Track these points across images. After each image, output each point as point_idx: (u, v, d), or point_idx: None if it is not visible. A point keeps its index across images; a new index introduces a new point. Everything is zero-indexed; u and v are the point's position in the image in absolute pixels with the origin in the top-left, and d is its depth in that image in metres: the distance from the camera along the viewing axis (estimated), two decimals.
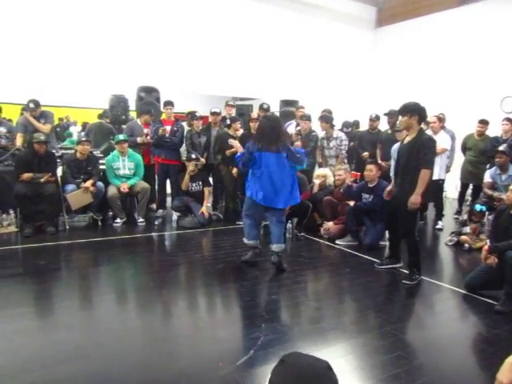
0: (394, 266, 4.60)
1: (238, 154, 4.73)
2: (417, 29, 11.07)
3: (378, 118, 7.23)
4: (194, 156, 6.38)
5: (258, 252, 4.72)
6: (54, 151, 6.19)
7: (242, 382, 2.46)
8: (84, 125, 11.55)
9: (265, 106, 7.24)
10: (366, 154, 6.95)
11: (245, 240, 4.67)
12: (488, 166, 6.73)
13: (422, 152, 4.01)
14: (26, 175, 5.55)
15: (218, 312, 3.72)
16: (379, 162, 6.30)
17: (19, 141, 6.26)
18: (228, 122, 6.82)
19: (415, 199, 4.02)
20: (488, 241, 4.03)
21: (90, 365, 2.61)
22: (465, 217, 5.90)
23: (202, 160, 6.65)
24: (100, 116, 9.15)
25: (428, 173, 4.02)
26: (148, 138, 6.72)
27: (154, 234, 6.03)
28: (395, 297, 4.12)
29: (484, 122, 7.10)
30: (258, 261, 4.68)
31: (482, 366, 2.87)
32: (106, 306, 3.62)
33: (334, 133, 6.76)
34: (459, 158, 7.43)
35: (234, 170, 6.39)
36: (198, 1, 9.35)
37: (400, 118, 4.27)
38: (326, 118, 6.79)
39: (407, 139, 4.22)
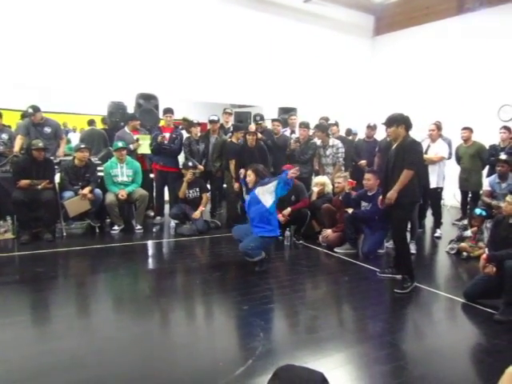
0: (395, 276, 4.55)
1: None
2: (414, 37, 11.13)
3: (376, 126, 7.26)
4: (190, 164, 6.37)
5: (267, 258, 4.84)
6: (52, 158, 6.19)
7: None
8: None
9: (257, 119, 7.28)
10: (363, 161, 6.96)
11: (257, 258, 4.68)
12: (486, 173, 6.77)
13: (406, 155, 4.17)
14: (24, 182, 5.53)
15: (215, 321, 3.69)
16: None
17: (18, 143, 6.27)
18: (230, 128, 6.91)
19: (391, 195, 4.19)
20: (486, 249, 4.02)
21: (87, 374, 2.58)
22: (465, 221, 5.89)
23: (200, 167, 6.66)
24: (90, 122, 9.12)
25: (409, 173, 4.13)
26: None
27: (151, 241, 6.00)
28: (394, 306, 4.09)
29: (467, 128, 7.21)
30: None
31: (482, 377, 2.85)
32: (103, 314, 3.60)
33: (330, 141, 6.76)
34: (457, 166, 7.47)
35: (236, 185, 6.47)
36: (197, 9, 9.38)
37: (387, 129, 4.43)
38: (322, 127, 6.82)
39: (395, 145, 4.39)
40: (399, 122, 4.26)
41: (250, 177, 4.82)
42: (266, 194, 4.65)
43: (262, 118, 7.33)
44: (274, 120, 7.44)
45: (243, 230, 4.95)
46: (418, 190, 4.37)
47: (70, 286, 4.33)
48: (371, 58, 12.32)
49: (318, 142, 6.86)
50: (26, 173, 5.59)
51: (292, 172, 4.71)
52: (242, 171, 6.23)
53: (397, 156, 4.26)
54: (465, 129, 7.21)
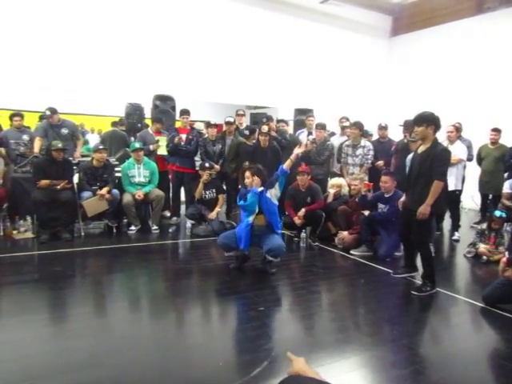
0: (410, 274, 4.52)
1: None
2: (433, 38, 11.01)
3: (387, 126, 7.17)
4: (207, 165, 6.40)
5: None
6: (70, 158, 6.29)
7: None
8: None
9: (264, 120, 7.27)
10: (380, 162, 6.88)
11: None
12: (506, 176, 6.65)
13: (435, 163, 3.97)
14: (44, 182, 5.63)
15: (231, 321, 3.70)
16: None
17: (37, 144, 6.40)
18: (247, 132, 6.90)
19: (424, 209, 4.01)
20: (506, 253, 3.95)
21: (104, 373, 2.61)
22: (484, 226, 5.78)
23: (217, 167, 6.68)
24: (114, 124, 9.25)
25: (440, 184, 3.98)
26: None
27: (167, 241, 6.04)
28: (411, 309, 4.05)
29: (497, 130, 7.10)
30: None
31: (501, 382, 2.79)
32: (120, 313, 3.63)
33: (361, 141, 6.68)
34: (477, 169, 7.36)
35: None
36: (213, 10, 9.44)
37: (415, 128, 4.15)
38: (359, 125, 6.63)
39: (421, 149, 4.17)
40: (430, 122, 4.02)
41: (250, 179, 4.54)
42: (273, 195, 4.58)
43: (269, 119, 7.30)
44: (279, 121, 7.44)
45: (232, 236, 4.67)
46: (443, 199, 4.25)
47: (88, 285, 4.38)
48: (388, 59, 12.22)
49: (348, 140, 6.74)
50: (46, 173, 5.68)
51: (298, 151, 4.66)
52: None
53: (423, 162, 4.06)
54: (495, 130, 7.11)
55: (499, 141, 7.15)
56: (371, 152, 6.61)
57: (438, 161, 3.98)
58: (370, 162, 6.61)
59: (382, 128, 7.13)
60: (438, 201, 4.03)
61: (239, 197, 4.71)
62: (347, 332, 3.38)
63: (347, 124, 7.34)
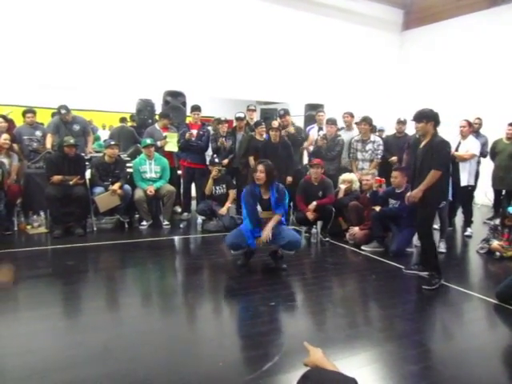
0: (421, 273, 4.49)
1: None
2: (445, 31, 10.87)
3: (406, 121, 7.09)
4: (217, 160, 6.41)
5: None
6: (82, 154, 6.35)
7: None
8: None
9: (281, 113, 7.21)
10: (394, 158, 6.81)
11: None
12: None
13: (434, 154, 4.12)
14: (56, 177, 5.69)
15: (242, 316, 3.71)
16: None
17: (49, 140, 6.47)
18: (253, 127, 6.89)
19: (415, 193, 4.19)
20: None
21: (117, 366, 2.64)
22: (497, 221, 5.72)
23: (225, 162, 6.66)
24: (122, 120, 9.31)
25: (437, 174, 4.09)
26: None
27: (178, 237, 6.07)
28: (422, 305, 4.02)
29: None
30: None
31: None
32: (132, 307, 3.66)
33: (371, 136, 6.64)
34: (490, 164, 7.26)
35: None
36: (223, 6, 9.42)
37: (416, 124, 4.29)
38: (369, 120, 6.58)
39: (423, 143, 4.32)
40: (429, 118, 4.18)
41: (263, 173, 4.44)
42: None
43: (286, 113, 7.23)
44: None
45: (239, 234, 4.50)
46: (446, 190, 4.38)
47: (100, 279, 4.43)
48: (400, 53, 12.11)
49: (357, 136, 6.71)
50: (59, 169, 5.75)
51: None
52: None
53: (425, 155, 4.20)
54: (511, 125, 6.99)
55: None
56: (381, 147, 6.56)
57: (435, 152, 4.12)
58: (379, 157, 6.57)
59: (400, 122, 7.01)
60: (437, 189, 4.16)
61: (246, 195, 4.55)
62: (358, 328, 3.38)
63: (356, 120, 7.27)
